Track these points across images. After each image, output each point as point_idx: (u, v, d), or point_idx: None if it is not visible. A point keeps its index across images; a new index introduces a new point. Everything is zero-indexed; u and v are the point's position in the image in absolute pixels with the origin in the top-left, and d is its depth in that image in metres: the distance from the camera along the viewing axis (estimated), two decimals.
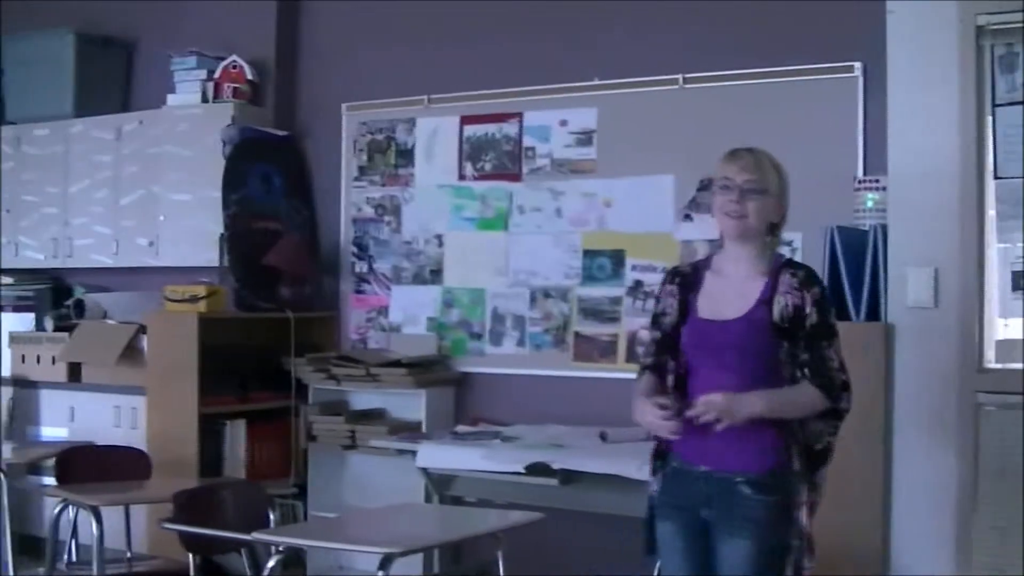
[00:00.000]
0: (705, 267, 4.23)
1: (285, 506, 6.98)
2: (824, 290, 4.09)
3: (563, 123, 6.78)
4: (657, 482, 4.17)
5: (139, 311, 7.34)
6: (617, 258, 6.61)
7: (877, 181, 5.65)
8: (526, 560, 5.25)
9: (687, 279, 4.22)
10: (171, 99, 7.71)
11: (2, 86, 8.56)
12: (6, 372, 7.87)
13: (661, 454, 4.17)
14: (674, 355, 4.17)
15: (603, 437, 5.99)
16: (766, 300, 4.02)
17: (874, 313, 5.34)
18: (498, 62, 7.00)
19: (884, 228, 5.39)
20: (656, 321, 4.27)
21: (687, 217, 6.40)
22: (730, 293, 4.09)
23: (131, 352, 7.18)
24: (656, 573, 4.36)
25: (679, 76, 6.44)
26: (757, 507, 3.90)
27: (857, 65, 5.98)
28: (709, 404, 3.86)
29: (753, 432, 3.90)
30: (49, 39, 8.21)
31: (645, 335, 4.28)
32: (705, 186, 6.28)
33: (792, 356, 3.99)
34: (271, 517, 5.42)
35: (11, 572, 6.44)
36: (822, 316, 4.01)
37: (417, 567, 6.19)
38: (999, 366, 5.19)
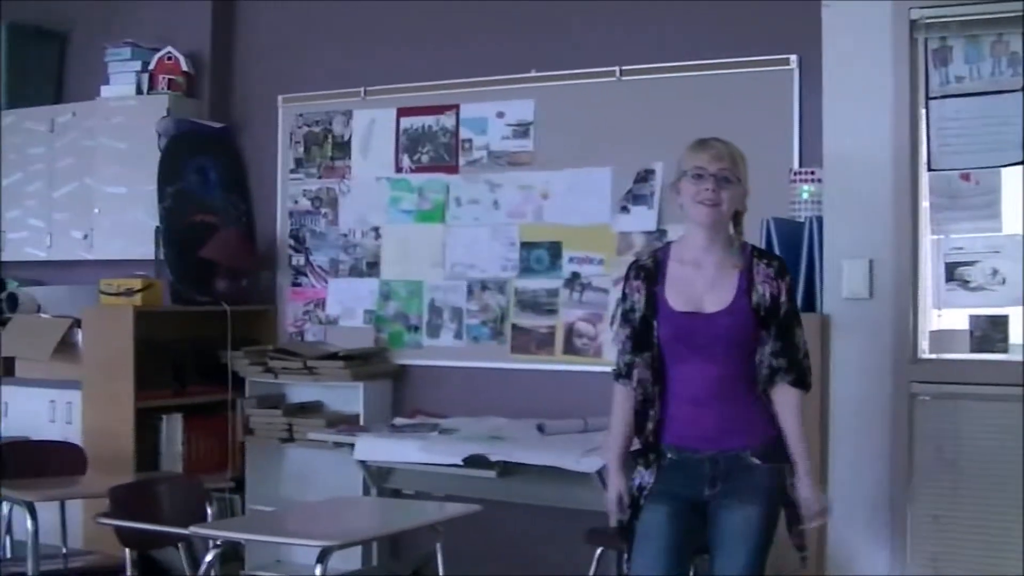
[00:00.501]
0: (666, 257, 4.25)
1: (223, 500, 6.94)
2: (791, 279, 4.20)
3: (500, 115, 6.78)
4: (650, 474, 4.17)
5: (74, 305, 7.29)
6: (555, 250, 6.62)
7: (812, 173, 5.70)
8: (465, 552, 5.26)
9: (650, 272, 4.23)
10: (105, 91, 7.65)
11: None
12: None
13: (651, 448, 4.19)
14: (647, 349, 4.19)
15: (541, 429, 6.01)
16: (745, 290, 4.09)
17: (810, 304, 5.38)
18: (435, 54, 6.99)
19: (819, 220, 5.43)
20: (626, 318, 4.28)
21: (624, 209, 6.42)
22: (702, 284, 4.14)
23: (66, 346, 7.13)
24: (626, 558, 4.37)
25: (616, 68, 6.46)
26: (767, 474, 4.06)
27: (793, 58, 6.02)
28: (815, 520, 4.15)
29: (744, 411, 4.09)
30: None
31: (621, 333, 4.32)
32: (642, 178, 6.32)
33: (762, 343, 4.12)
34: (208, 511, 5.39)
35: None
36: (792, 304, 4.15)
37: (356, 560, 6.20)
38: (933, 356, 5.25)
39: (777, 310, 4.08)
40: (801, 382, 4.11)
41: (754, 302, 4.08)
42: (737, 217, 4.21)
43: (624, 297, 4.30)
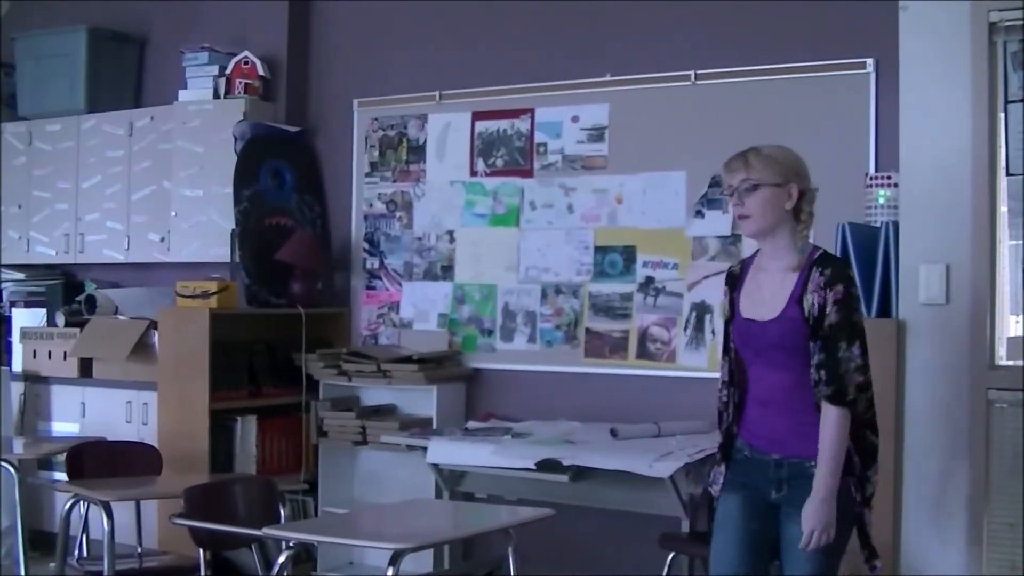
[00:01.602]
0: (749, 264, 4.33)
1: (296, 502, 6.98)
2: (850, 287, 4.06)
3: (575, 119, 6.77)
4: (726, 467, 4.28)
5: (150, 307, 7.35)
6: (628, 254, 6.60)
7: (889, 177, 5.64)
8: (536, 556, 5.26)
9: (734, 278, 4.34)
10: (183, 95, 7.72)
11: (15, 82, 8.59)
12: (17, 368, 7.89)
13: (730, 442, 4.30)
14: (728, 351, 4.34)
15: (614, 433, 5.98)
16: (798, 299, 4.07)
17: (885, 310, 5.32)
18: (510, 58, 6.99)
19: (896, 225, 5.37)
20: (725, 325, 4.38)
21: (699, 213, 6.39)
22: (767, 291, 4.18)
23: (142, 348, 7.20)
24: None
25: (691, 72, 6.43)
26: None
27: (869, 61, 5.96)
28: (809, 540, 3.99)
29: (808, 418, 4.04)
30: (62, 35, 8.23)
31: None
32: (716, 182, 6.28)
33: (812, 354, 4.06)
34: (282, 513, 5.41)
35: (22, 567, 6.45)
36: (842, 315, 4.01)
37: (427, 563, 6.19)
38: (1011, 363, 5.17)
39: (822, 321, 4.01)
40: (837, 398, 3.99)
41: (805, 310, 4.05)
42: (798, 215, 4.15)
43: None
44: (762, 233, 4.16)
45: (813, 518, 3.96)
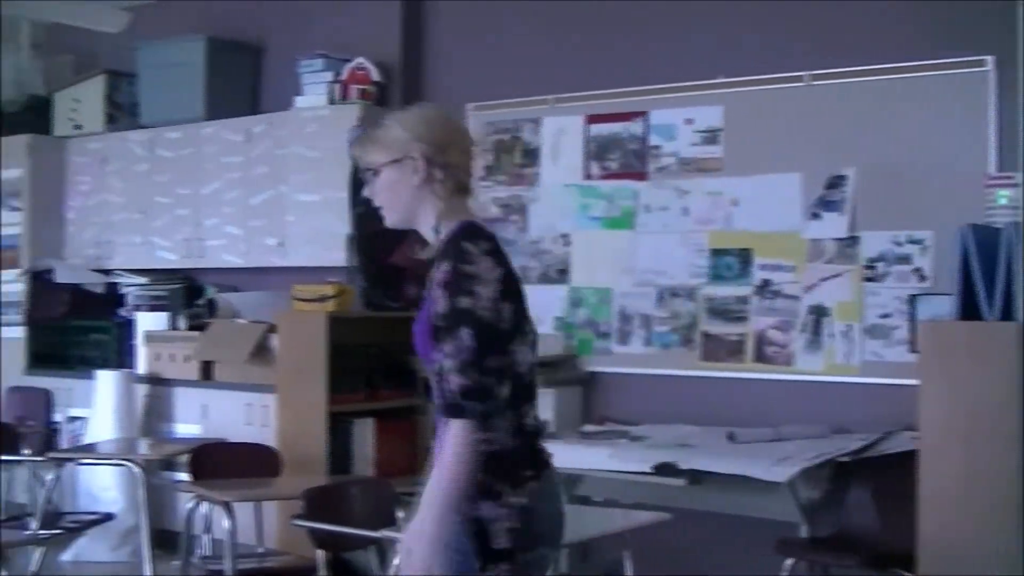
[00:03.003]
0: None
1: (412, 504, 7.01)
2: (458, 264, 3.19)
3: (689, 121, 6.75)
4: None
5: (269, 310, 7.44)
6: (744, 257, 6.56)
7: (1010, 178, 5.55)
8: (653, 560, 5.24)
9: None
10: (299, 101, 7.81)
11: (138, 91, 8.74)
12: (141, 370, 8.03)
13: None
14: None
15: (731, 437, 5.95)
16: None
17: (1007, 312, 5.23)
18: (623, 60, 6.98)
19: (1018, 226, 5.28)
20: None
21: (815, 215, 6.33)
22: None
23: (261, 351, 7.29)
24: None
25: (805, 73, 6.38)
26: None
27: (989, 59, 5.88)
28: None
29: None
30: (181, 44, 8.37)
31: None
32: (833, 184, 6.23)
33: None
34: (399, 515, 5.45)
35: (149, 565, 6.56)
36: (443, 303, 3.19)
37: None
38: None
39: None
40: (450, 410, 3.18)
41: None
42: (443, 186, 3.37)
43: None
44: (406, 222, 3.45)
45: (403, 559, 3.29)
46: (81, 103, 9.05)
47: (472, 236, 3.26)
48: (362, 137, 3.55)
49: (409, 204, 3.40)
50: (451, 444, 3.17)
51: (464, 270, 3.17)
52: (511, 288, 3.24)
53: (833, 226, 6.28)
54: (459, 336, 3.13)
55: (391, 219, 3.46)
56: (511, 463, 3.26)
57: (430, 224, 3.39)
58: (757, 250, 6.53)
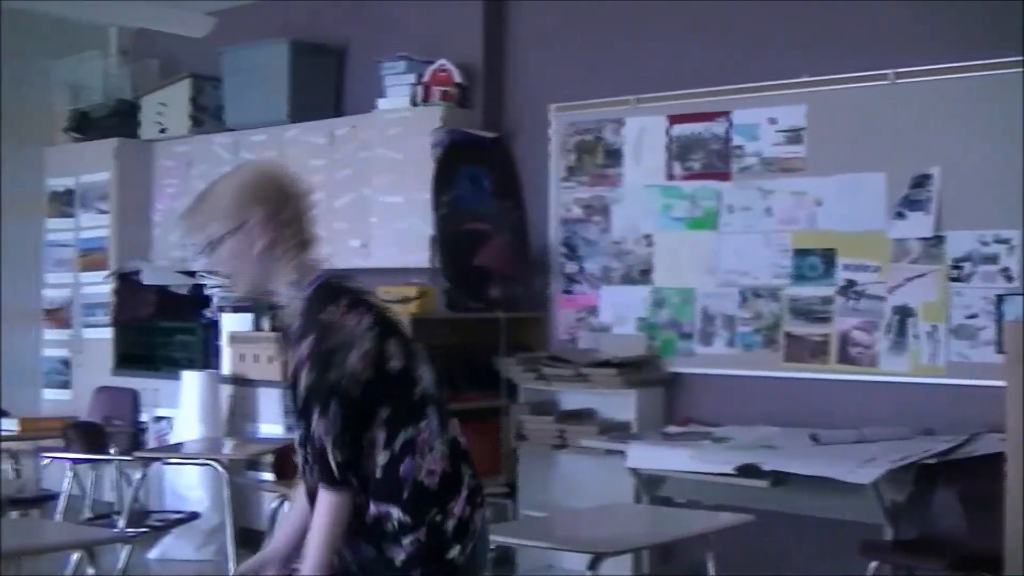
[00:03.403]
0: None
1: (495, 505, 7.03)
2: (321, 338, 3.07)
3: (772, 121, 6.71)
4: None
5: None
6: (828, 257, 6.51)
7: None
8: (735, 562, 5.21)
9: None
10: (381, 103, 7.85)
11: (222, 95, 8.83)
12: (226, 371, 8.10)
13: None
14: None
15: (815, 439, 5.91)
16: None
17: None
18: (706, 60, 6.95)
19: None
20: None
21: (899, 215, 6.27)
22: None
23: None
24: None
25: (890, 71, 6.31)
26: None
27: None
28: None
29: None
30: (265, 48, 8.45)
31: None
32: (918, 183, 6.17)
33: None
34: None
35: (232, 563, 6.62)
36: (308, 380, 3.08)
37: (626, 568, 6.19)
38: None
39: (297, 386, 3.11)
40: (324, 480, 3.09)
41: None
42: (288, 249, 3.21)
43: None
44: (256, 290, 3.28)
45: None
46: (167, 107, 9.16)
47: (328, 297, 3.13)
48: (193, 209, 3.27)
49: (256, 271, 3.21)
50: (324, 514, 3.09)
51: (326, 344, 3.06)
52: (388, 323, 3.18)
53: (918, 226, 6.21)
54: (330, 411, 3.05)
55: (241, 289, 3.31)
56: (446, 490, 3.18)
57: (282, 287, 3.22)
58: (841, 250, 6.47)
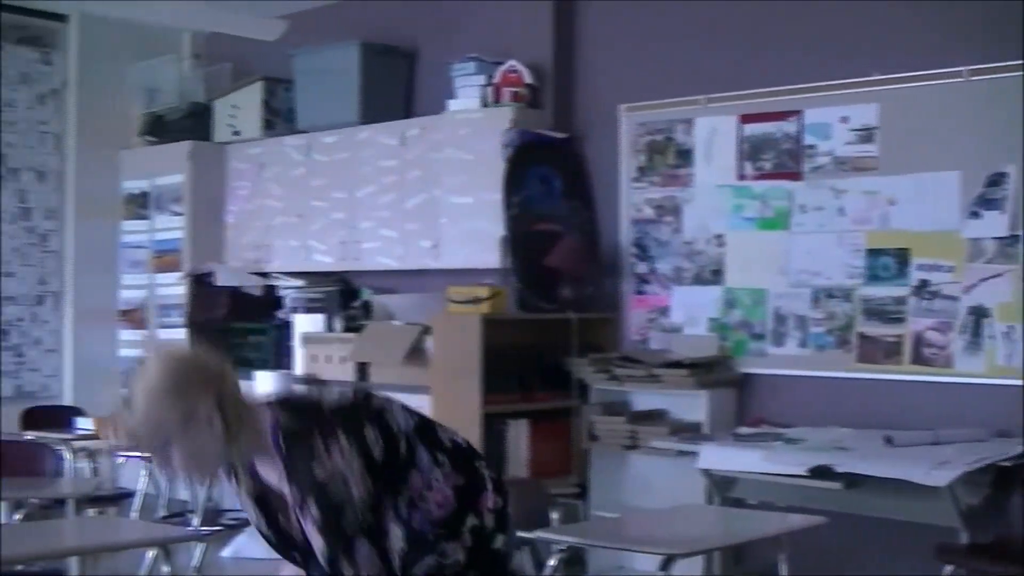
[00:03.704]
0: None
1: (566, 505, 7.03)
2: (295, 485, 3.15)
3: (844, 120, 6.66)
4: None
5: (423, 312, 7.51)
6: (901, 257, 6.45)
7: None
8: (807, 564, 5.20)
9: None
10: (452, 104, 7.86)
11: (294, 97, 8.89)
12: (299, 371, 8.15)
13: None
14: None
15: (888, 440, 5.87)
16: None
17: None
18: (777, 59, 6.91)
19: None
20: None
21: (974, 214, 6.21)
22: None
23: (416, 352, 7.35)
24: None
25: (964, 68, 6.25)
26: None
27: None
28: None
29: None
30: (336, 51, 8.50)
31: None
32: (994, 182, 6.11)
33: None
34: (553, 516, 5.46)
35: None
36: (325, 538, 3.15)
37: (697, 569, 6.17)
38: None
39: None
40: None
41: None
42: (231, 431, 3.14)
43: None
44: (224, 468, 3.30)
45: None
46: (240, 110, 9.23)
47: (297, 444, 3.14)
48: (127, 430, 3.12)
49: (221, 454, 3.17)
50: None
51: (327, 499, 3.11)
52: (351, 416, 3.22)
53: (994, 225, 6.15)
54: (360, 554, 3.13)
55: (209, 478, 3.33)
56: None
57: (245, 455, 3.23)
58: (915, 250, 6.42)
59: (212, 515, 6.82)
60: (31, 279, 9.50)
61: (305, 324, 8.34)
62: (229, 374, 3.20)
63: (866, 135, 6.59)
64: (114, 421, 3.14)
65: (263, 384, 7.89)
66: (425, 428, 3.40)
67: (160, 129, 9.61)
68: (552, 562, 4.68)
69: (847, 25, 6.68)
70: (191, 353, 3.27)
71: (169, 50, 9.80)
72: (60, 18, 9.62)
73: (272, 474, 3.23)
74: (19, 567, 5.42)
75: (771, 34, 6.96)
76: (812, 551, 5.33)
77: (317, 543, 3.12)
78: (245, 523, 6.95)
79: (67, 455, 7.14)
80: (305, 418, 3.18)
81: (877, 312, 6.52)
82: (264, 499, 3.32)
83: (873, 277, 6.54)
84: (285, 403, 3.24)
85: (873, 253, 6.55)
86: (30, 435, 7.43)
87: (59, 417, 7.93)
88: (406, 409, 3.41)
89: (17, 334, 9.43)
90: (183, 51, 9.98)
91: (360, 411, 3.27)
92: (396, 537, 3.21)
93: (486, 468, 3.43)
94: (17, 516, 5.88)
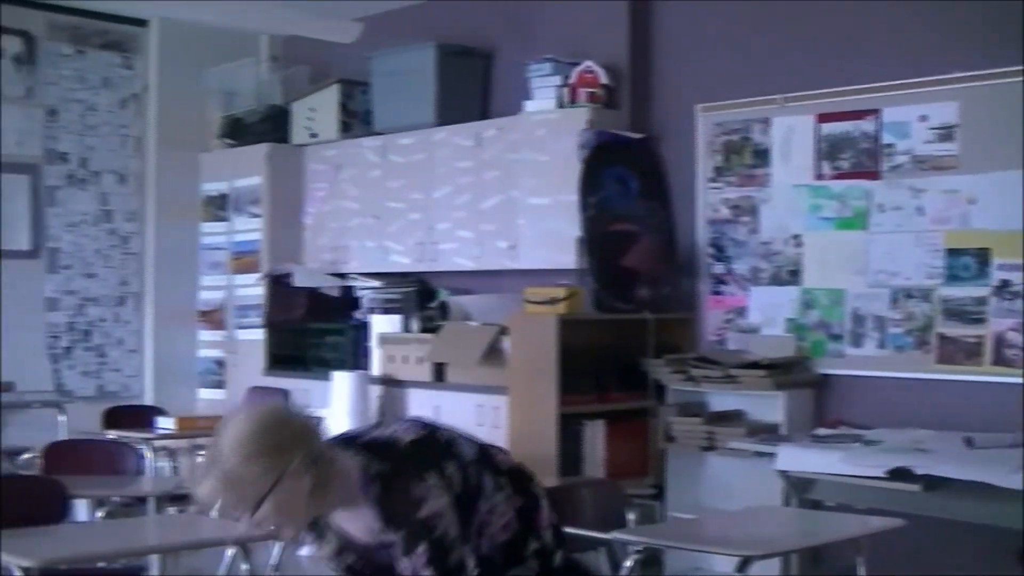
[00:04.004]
0: None
1: (643, 506, 7.02)
2: (431, 535, 3.22)
3: (923, 118, 6.60)
4: None
5: (500, 313, 7.52)
6: (982, 257, 6.39)
7: None
8: (886, 567, 5.16)
9: None
10: (528, 105, 7.87)
11: (371, 99, 8.94)
12: (376, 372, 8.19)
13: None
14: None
15: (969, 442, 5.80)
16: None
17: None
18: (854, 57, 6.86)
19: None
20: None
21: None
22: None
23: (493, 353, 7.37)
24: None
25: None
26: None
27: None
28: None
29: None
30: (412, 52, 8.54)
31: None
32: None
33: None
34: (629, 517, 5.45)
35: None
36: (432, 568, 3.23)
37: (774, 570, 6.14)
38: None
39: None
40: None
41: None
42: (320, 478, 3.17)
43: None
44: (309, 523, 3.34)
45: None
46: (317, 112, 9.30)
47: (380, 480, 3.22)
48: (214, 485, 3.09)
49: (309, 509, 3.21)
50: None
51: (411, 528, 3.20)
52: (431, 455, 3.28)
53: None
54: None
55: (292, 532, 3.29)
56: None
57: (334, 509, 3.28)
58: (995, 250, 6.35)
59: None
60: (113, 280, 9.65)
61: (382, 325, 8.38)
62: (316, 428, 3.23)
63: (946, 134, 6.52)
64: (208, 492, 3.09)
65: (341, 384, 7.96)
66: (485, 454, 3.46)
67: (238, 132, 9.70)
68: (628, 563, 4.68)
69: (926, 23, 6.61)
70: (279, 410, 3.28)
71: (247, 53, 9.89)
72: (141, 23, 9.74)
73: (355, 523, 3.30)
74: (101, 564, 5.50)
75: (848, 32, 6.91)
76: (890, 554, 5.29)
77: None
78: None
79: (148, 454, 7.22)
80: (389, 461, 3.23)
81: (957, 312, 6.45)
82: (341, 552, 3.41)
83: (953, 277, 6.48)
84: (366, 449, 3.27)
85: (953, 253, 6.48)
86: (112, 434, 7.52)
87: (140, 417, 8.02)
88: (465, 437, 3.46)
89: (99, 335, 9.59)
90: (261, 54, 10.07)
91: (435, 446, 3.32)
92: (470, 566, 3.24)
93: (539, 487, 3.49)
94: (99, 514, 5.98)
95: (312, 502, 3.16)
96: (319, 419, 3.26)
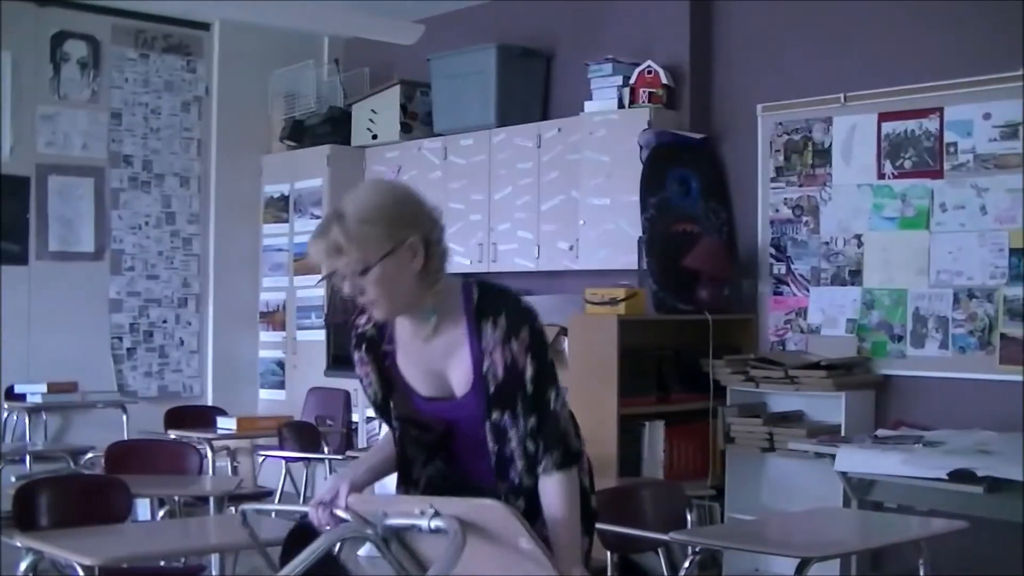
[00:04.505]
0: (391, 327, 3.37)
1: (702, 507, 7.00)
2: (533, 324, 3.22)
3: (986, 116, 6.54)
4: None
5: (560, 313, 7.51)
6: None
7: None
8: (948, 570, 5.12)
9: (375, 344, 3.38)
10: (588, 106, 7.86)
11: (431, 100, 8.96)
12: None
13: None
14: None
15: None
16: (479, 364, 3.22)
17: None
18: (916, 56, 6.81)
19: None
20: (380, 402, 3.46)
21: None
22: (432, 362, 3.30)
23: (554, 353, 7.32)
24: None
25: None
26: None
27: None
28: None
29: None
30: (473, 54, 8.56)
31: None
32: None
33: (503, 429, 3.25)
34: (688, 518, 5.43)
35: None
36: (537, 361, 3.21)
37: (834, 572, 6.11)
38: None
39: (518, 378, 3.18)
40: (568, 460, 3.24)
41: (489, 382, 3.22)
42: (428, 267, 3.18)
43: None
44: (403, 311, 3.22)
45: None
46: (378, 114, 9.33)
47: (514, 296, 3.28)
48: (334, 232, 3.09)
49: (410, 292, 3.17)
50: (571, 494, 3.25)
51: (539, 327, 3.25)
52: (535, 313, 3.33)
53: None
54: (560, 393, 3.26)
55: (387, 312, 3.20)
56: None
57: (426, 304, 3.22)
58: None
59: None
60: (175, 282, 9.75)
61: None
62: (437, 219, 3.26)
63: (1010, 131, 6.46)
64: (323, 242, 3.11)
65: None
66: None
67: (300, 134, 9.75)
68: (687, 564, 4.66)
69: (987, 19, 6.56)
70: (407, 188, 3.31)
71: (308, 56, 9.95)
72: (203, 27, 9.82)
73: (451, 360, 3.26)
74: (162, 563, 5.55)
75: (909, 31, 6.86)
76: (952, 556, 5.25)
77: (531, 369, 3.19)
78: None
79: (209, 454, 7.28)
80: (500, 297, 3.27)
81: (1020, 313, 6.39)
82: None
83: (1017, 277, 6.41)
84: (481, 282, 3.33)
85: (1017, 252, 6.42)
86: (173, 434, 7.60)
87: (201, 417, 8.10)
88: None
89: (161, 336, 9.67)
90: (322, 56, 10.13)
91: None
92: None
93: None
94: (161, 513, 6.03)
95: (416, 285, 3.16)
96: (440, 212, 3.28)
